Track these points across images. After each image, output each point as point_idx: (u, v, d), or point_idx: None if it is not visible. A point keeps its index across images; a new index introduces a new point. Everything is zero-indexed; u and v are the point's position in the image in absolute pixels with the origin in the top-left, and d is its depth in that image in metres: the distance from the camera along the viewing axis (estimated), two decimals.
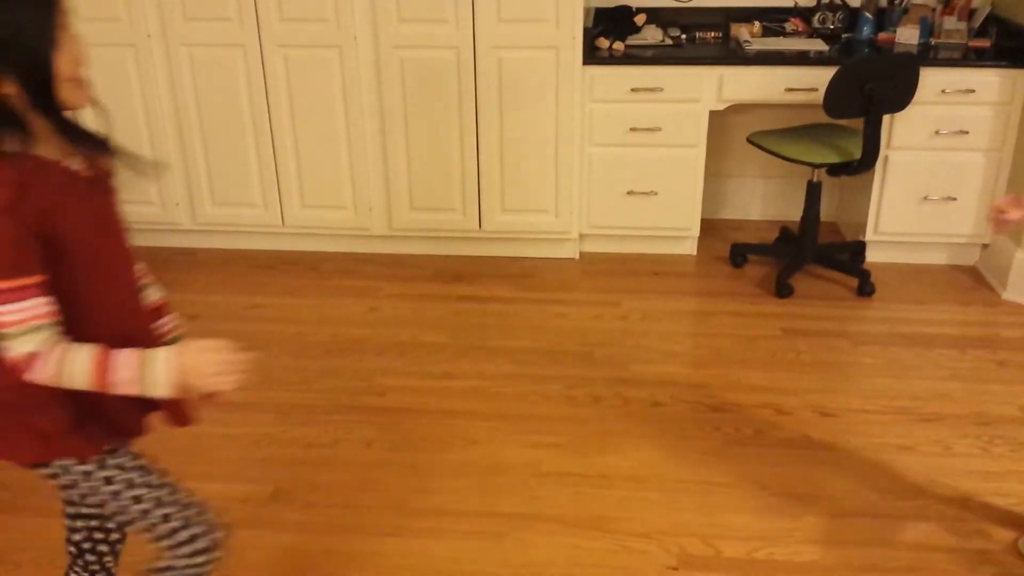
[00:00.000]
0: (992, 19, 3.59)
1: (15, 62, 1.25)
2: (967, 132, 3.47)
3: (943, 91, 3.43)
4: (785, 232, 3.94)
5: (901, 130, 3.50)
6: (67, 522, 1.76)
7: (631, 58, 3.58)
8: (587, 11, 3.67)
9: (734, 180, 4.15)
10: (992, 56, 3.49)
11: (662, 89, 3.54)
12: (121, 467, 1.49)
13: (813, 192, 3.53)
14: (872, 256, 3.77)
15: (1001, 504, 2.38)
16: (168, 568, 1.54)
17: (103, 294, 1.40)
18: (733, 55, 3.61)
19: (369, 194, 3.77)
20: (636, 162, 3.67)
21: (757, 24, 3.77)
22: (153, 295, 1.61)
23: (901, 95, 3.29)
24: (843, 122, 3.53)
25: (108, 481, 1.47)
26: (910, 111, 3.38)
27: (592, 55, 3.57)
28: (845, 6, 3.79)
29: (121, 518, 1.55)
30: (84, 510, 1.74)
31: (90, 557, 1.79)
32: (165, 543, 1.53)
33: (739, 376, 2.97)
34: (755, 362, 3.06)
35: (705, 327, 3.37)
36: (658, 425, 2.74)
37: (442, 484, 2.49)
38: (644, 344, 3.20)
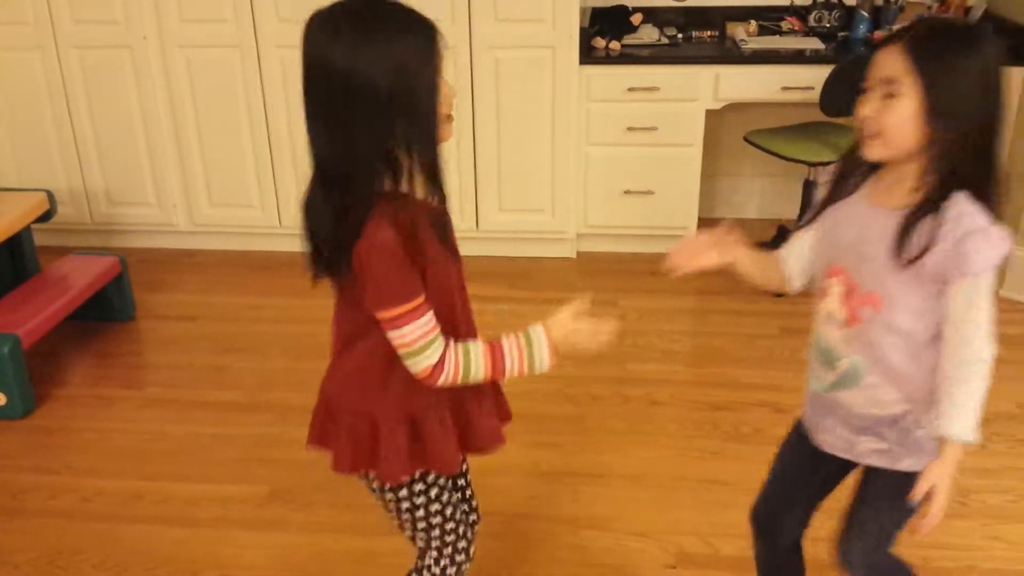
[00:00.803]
0: (988, 17, 3.60)
1: (408, 106, 1.28)
2: None
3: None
4: (782, 231, 3.94)
5: None
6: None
7: (627, 57, 3.58)
8: (583, 11, 3.67)
9: (731, 179, 4.16)
10: None
11: (658, 88, 3.54)
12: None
13: (809, 191, 3.53)
14: None
15: (999, 500, 2.39)
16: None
17: (447, 309, 1.46)
18: (729, 54, 3.62)
19: None
20: (633, 161, 3.68)
21: (753, 23, 3.78)
22: None
23: None
24: (840, 120, 3.54)
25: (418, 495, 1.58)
26: None
27: (589, 55, 3.57)
28: (841, 5, 3.79)
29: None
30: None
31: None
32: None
33: (737, 374, 2.97)
34: (753, 360, 3.06)
35: (703, 326, 3.38)
36: (656, 424, 2.75)
37: None
38: (642, 343, 3.20)
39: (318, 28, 1.28)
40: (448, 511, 1.61)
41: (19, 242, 3.25)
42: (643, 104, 3.58)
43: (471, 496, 1.80)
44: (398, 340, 1.37)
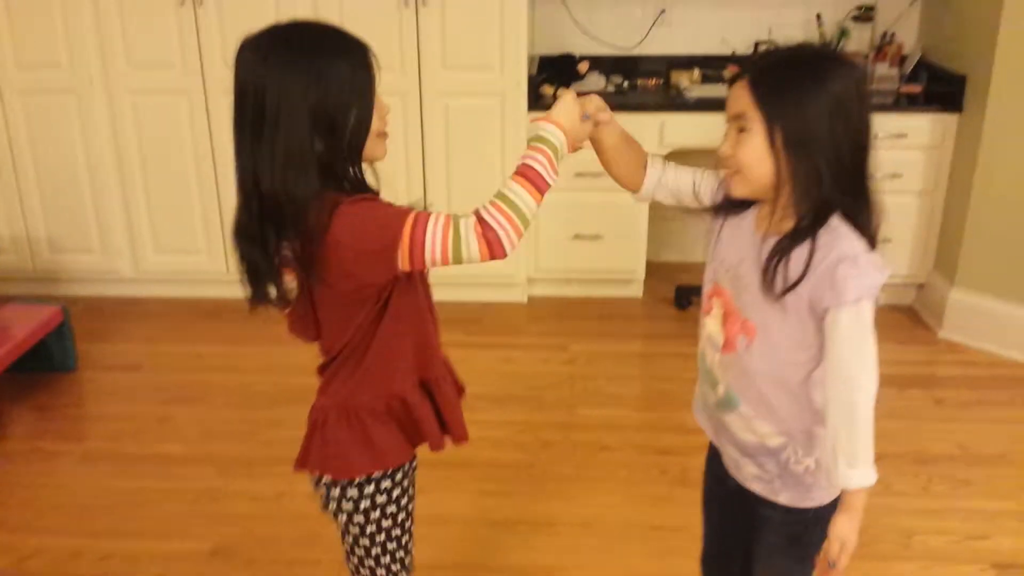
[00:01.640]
0: (923, 65, 3.72)
1: (335, 124, 1.32)
2: (900, 175, 3.58)
3: (876, 136, 3.51)
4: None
5: None
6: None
7: None
8: (531, 59, 3.73)
9: (679, 222, 4.21)
10: (923, 101, 3.61)
11: None
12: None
13: None
14: None
15: (941, 542, 2.42)
16: None
17: (421, 330, 1.51)
18: (674, 102, 3.69)
19: None
20: (582, 206, 3.72)
21: (697, 71, 3.86)
22: None
23: None
24: None
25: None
26: None
27: (537, 102, 3.62)
28: None
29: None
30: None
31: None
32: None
33: (685, 418, 2.96)
34: None
35: (651, 370, 3.40)
36: (606, 469, 2.75)
37: None
38: (591, 388, 3.21)
39: (249, 53, 1.33)
40: (401, 516, 1.59)
41: None
42: (591, 151, 3.60)
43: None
44: (435, 238, 1.28)
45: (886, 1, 3.84)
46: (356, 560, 1.63)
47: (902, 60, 3.76)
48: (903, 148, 3.55)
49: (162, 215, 3.79)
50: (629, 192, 1.64)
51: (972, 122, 3.38)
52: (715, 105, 3.62)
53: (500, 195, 1.33)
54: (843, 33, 3.81)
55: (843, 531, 1.35)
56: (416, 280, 1.48)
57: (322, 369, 1.54)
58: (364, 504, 1.54)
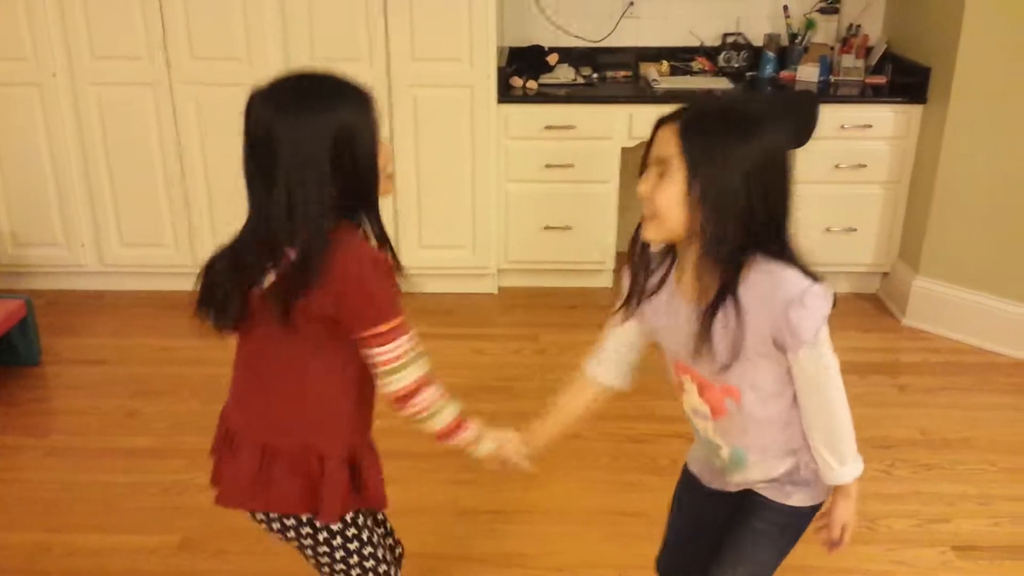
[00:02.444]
0: (888, 57, 3.77)
1: (350, 168, 1.37)
2: (865, 165, 3.62)
3: (842, 126, 3.57)
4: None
5: (803, 164, 3.61)
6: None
7: (544, 96, 3.65)
8: (501, 50, 3.73)
9: None
10: (888, 92, 3.66)
11: (575, 127, 3.61)
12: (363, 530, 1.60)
13: None
14: None
15: (904, 525, 2.46)
16: None
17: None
18: (642, 93, 3.71)
19: None
20: (551, 197, 3.73)
21: (665, 63, 3.89)
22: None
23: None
24: None
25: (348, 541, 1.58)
26: (811, 146, 3.46)
27: (506, 94, 3.62)
28: (749, 46, 3.93)
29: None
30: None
31: None
32: None
33: (654, 407, 3.01)
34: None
35: None
36: (576, 459, 2.76)
37: None
38: (563, 377, 3.22)
39: (260, 104, 1.37)
40: (380, 552, 1.61)
41: None
42: (560, 142, 3.64)
43: (391, 529, 1.79)
44: (389, 355, 1.41)
45: None
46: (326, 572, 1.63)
47: (867, 52, 3.81)
48: (868, 139, 3.60)
49: (128, 208, 3.75)
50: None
51: (936, 113, 3.43)
52: (683, 97, 3.65)
53: (442, 400, 1.51)
54: (809, 25, 3.85)
55: (844, 515, 1.47)
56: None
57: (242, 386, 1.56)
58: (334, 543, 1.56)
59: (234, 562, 2.33)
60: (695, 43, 3.98)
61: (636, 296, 1.48)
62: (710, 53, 3.96)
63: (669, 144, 1.31)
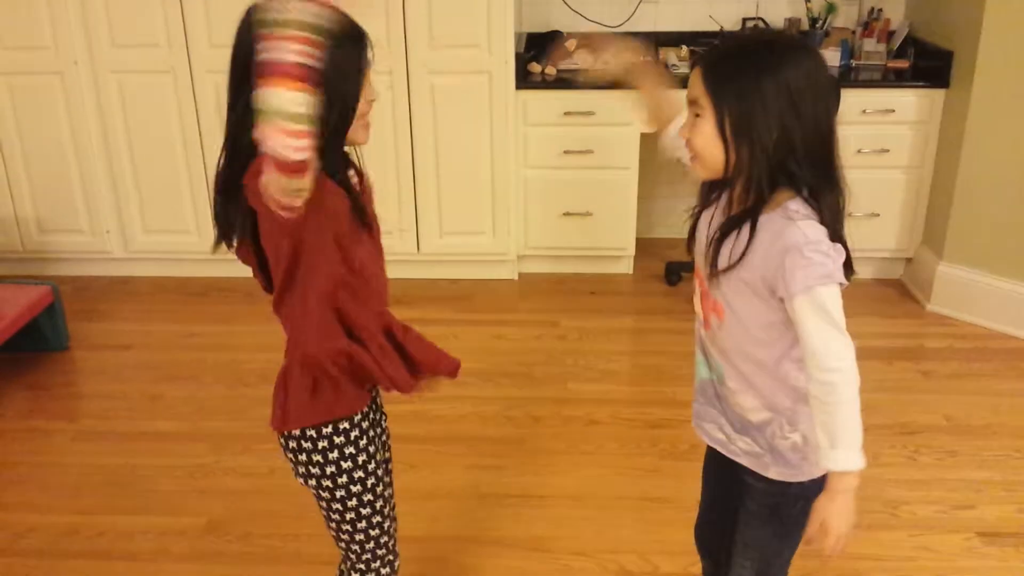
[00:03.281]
0: (910, 40, 3.73)
1: (332, 100, 1.32)
2: (888, 151, 3.59)
3: (864, 111, 3.54)
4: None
5: None
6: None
7: (563, 82, 3.64)
8: (519, 36, 3.72)
9: (668, 200, 4.23)
10: (910, 76, 3.62)
11: (594, 113, 3.60)
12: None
13: None
14: None
15: (928, 511, 2.46)
16: None
17: (373, 277, 1.54)
18: None
19: None
20: (571, 184, 3.72)
21: (685, 48, 3.86)
22: None
23: None
24: None
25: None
26: None
27: (525, 79, 3.62)
28: (768, 30, 3.89)
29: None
30: None
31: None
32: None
33: (675, 392, 3.02)
34: (690, 378, 3.08)
35: (642, 345, 3.42)
36: (596, 443, 2.77)
37: None
38: (582, 363, 3.23)
39: (246, 15, 1.34)
40: (362, 459, 1.63)
41: None
42: (579, 128, 3.63)
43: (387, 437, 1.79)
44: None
45: None
46: (334, 527, 1.67)
47: (889, 36, 3.77)
48: (891, 124, 3.57)
49: (150, 195, 3.78)
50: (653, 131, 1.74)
51: (959, 97, 3.40)
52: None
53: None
54: (830, 9, 3.82)
55: (822, 511, 1.36)
56: (350, 237, 1.48)
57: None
58: (317, 455, 1.62)
59: (260, 544, 2.36)
60: (714, 27, 3.95)
61: (699, 207, 1.51)
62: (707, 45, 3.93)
63: (696, 85, 1.34)
